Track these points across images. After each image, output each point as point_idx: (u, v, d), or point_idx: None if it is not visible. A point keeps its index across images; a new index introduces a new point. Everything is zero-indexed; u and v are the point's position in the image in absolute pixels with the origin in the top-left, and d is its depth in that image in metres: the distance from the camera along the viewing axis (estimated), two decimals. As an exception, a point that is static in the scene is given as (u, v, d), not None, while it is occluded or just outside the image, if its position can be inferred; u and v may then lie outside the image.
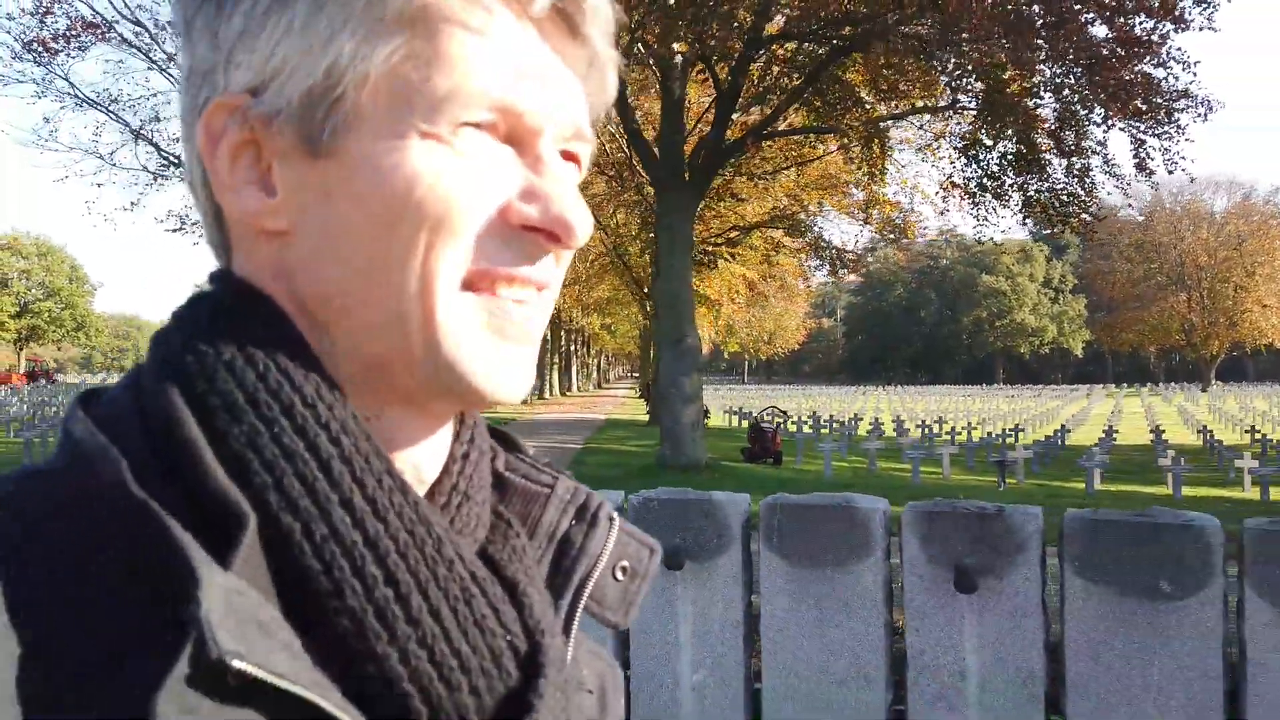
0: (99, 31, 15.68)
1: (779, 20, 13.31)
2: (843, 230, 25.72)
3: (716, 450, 17.70)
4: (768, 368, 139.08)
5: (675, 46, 12.68)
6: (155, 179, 16.90)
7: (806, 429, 21.24)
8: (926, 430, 23.88)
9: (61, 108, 16.92)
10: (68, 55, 17.11)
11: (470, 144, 0.45)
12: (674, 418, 14.75)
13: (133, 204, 18.97)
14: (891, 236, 23.46)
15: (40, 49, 16.14)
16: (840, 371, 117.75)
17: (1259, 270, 63.95)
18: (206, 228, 0.52)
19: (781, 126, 16.29)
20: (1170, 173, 13.38)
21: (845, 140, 14.83)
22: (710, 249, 26.11)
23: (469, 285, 0.46)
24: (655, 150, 15.05)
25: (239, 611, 0.37)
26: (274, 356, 0.45)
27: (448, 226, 0.44)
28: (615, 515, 0.58)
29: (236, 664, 0.35)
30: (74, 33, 16.03)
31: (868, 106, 14.08)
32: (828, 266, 26.69)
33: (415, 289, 0.45)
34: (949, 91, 13.94)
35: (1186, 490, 13.27)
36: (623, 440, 22.25)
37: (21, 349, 73.96)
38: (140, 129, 16.61)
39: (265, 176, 0.47)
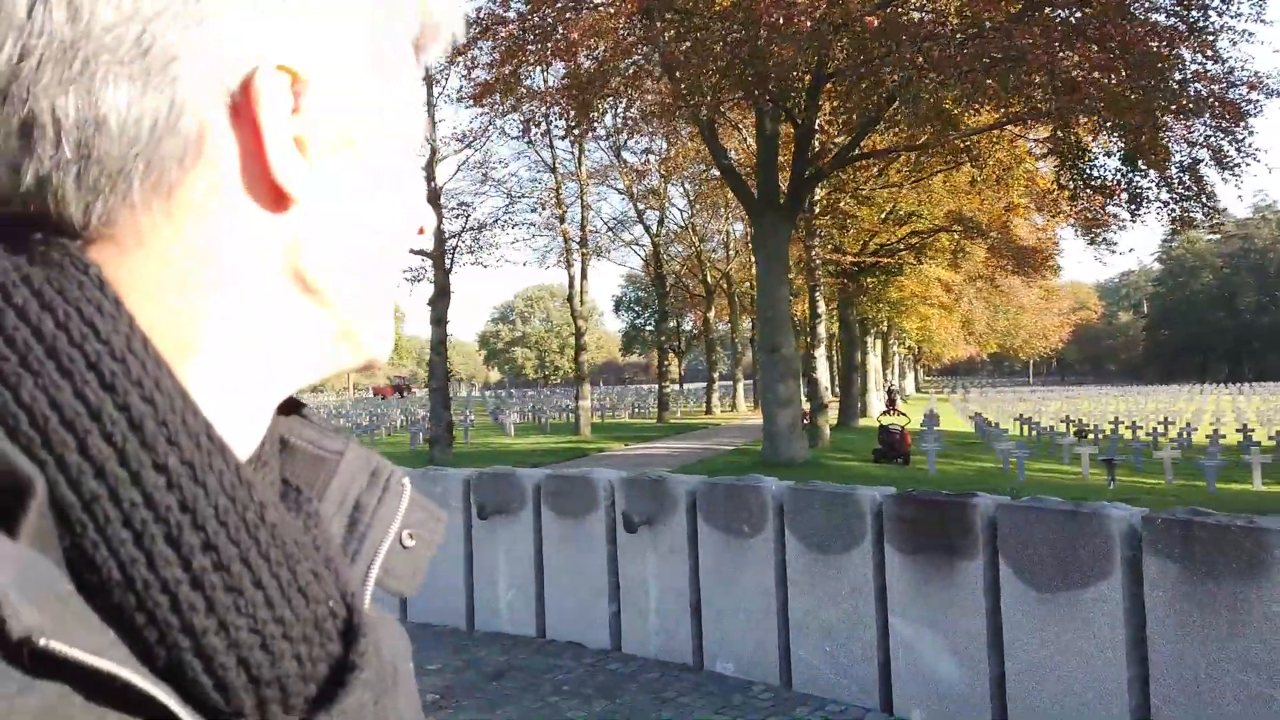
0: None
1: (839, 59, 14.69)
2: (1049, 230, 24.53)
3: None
4: (1062, 368, 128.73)
5: (757, 93, 14.58)
6: None
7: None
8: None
9: None
10: None
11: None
12: (772, 421, 16.50)
13: None
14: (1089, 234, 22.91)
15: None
16: (1144, 368, 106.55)
17: None
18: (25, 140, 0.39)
19: (879, 146, 17.51)
20: (1247, 165, 12.99)
21: (955, 155, 15.76)
22: (883, 260, 27.02)
23: None
24: (750, 183, 16.93)
25: (36, 584, 0.33)
26: (78, 305, 0.40)
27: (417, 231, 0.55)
28: (407, 482, 0.58)
29: (43, 642, 0.32)
30: None
31: (935, 125, 14.96)
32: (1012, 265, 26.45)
33: (397, 275, 0.53)
34: (1023, 101, 14.44)
35: None
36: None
37: None
38: None
39: (300, 147, 0.46)
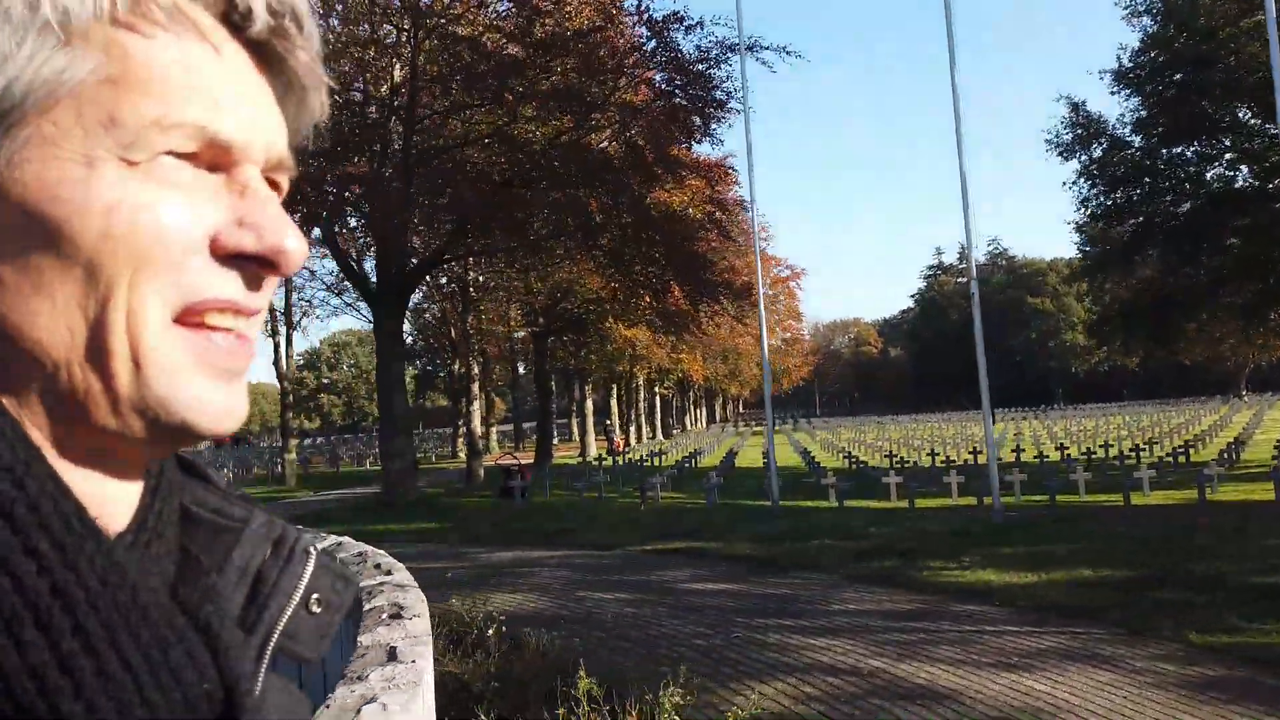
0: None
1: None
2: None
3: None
4: (852, 401, 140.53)
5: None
6: None
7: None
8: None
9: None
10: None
11: (173, 173, 0.44)
12: (389, 467, 20.83)
13: None
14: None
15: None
16: (908, 399, 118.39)
17: None
18: None
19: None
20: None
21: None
22: (563, 324, 32.41)
23: (181, 318, 0.45)
24: (369, 276, 21.43)
25: None
26: None
27: (154, 260, 0.43)
28: (313, 548, 0.57)
29: None
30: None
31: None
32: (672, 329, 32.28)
33: (122, 327, 0.42)
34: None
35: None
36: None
37: None
38: None
39: None
